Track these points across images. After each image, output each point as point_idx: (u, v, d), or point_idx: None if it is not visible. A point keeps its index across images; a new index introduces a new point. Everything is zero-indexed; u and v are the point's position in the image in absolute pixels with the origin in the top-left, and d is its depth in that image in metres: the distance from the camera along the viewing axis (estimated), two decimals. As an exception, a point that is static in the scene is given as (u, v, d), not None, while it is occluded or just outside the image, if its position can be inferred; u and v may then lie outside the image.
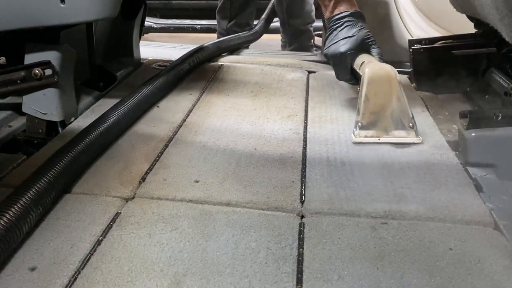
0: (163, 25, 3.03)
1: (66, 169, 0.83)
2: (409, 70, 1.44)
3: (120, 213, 0.79)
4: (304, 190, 0.87)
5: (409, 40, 1.43)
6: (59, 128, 1.12)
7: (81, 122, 1.13)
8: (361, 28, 1.17)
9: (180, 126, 1.13)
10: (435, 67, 1.36)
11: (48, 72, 1.07)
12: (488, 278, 0.66)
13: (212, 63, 1.62)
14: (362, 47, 1.17)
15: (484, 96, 1.26)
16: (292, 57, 1.76)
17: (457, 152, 1.00)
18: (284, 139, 1.06)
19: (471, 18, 1.35)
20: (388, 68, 1.07)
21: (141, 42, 1.63)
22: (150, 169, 0.93)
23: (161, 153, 0.99)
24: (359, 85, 1.09)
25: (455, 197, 0.84)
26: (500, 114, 0.96)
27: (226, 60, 1.66)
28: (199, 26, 3.02)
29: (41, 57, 1.07)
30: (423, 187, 0.87)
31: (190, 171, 0.92)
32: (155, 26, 3.00)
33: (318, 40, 2.37)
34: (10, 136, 1.11)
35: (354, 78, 1.20)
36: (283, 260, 0.69)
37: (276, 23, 2.42)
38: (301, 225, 0.77)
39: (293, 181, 0.89)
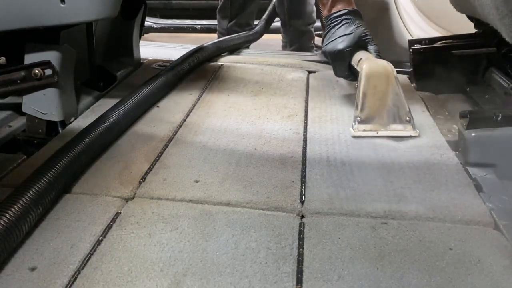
0: (163, 25, 3.02)
1: (66, 169, 0.83)
2: (409, 70, 1.44)
3: (120, 213, 0.79)
4: (304, 190, 0.87)
5: (409, 40, 1.43)
6: (59, 128, 1.12)
7: (81, 122, 1.13)
8: (358, 26, 1.20)
9: (180, 126, 1.13)
10: (435, 67, 1.36)
11: (48, 72, 1.07)
12: (488, 278, 0.66)
13: (212, 63, 1.62)
14: (360, 44, 1.19)
15: (484, 96, 1.26)
16: (292, 57, 1.76)
17: (457, 152, 1.00)
18: (284, 139, 1.06)
19: (471, 18, 1.35)
20: (385, 64, 1.10)
21: (141, 42, 1.63)
22: (150, 169, 0.93)
23: (161, 153, 0.99)
24: (357, 81, 1.11)
25: (455, 197, 0.84)
26: (500, 114, 0.96)
27: (226, 60, 1.66)
28: (199, 26, 3.02)
29: (41, 57, 1.07)
30: (423, 187, 0.87)
31: (190, 171, 0.92)
32: (155, 26, 3.00)
33: (318, 40, 2.37)
34: (10, 136, 1.11)
35: (352, 75, 1.22)
36: (283, 260, 0.69)
37: (276, 23, 2.42)
38: (301, 225, 0.77)
39: (293, 181, 0.89)
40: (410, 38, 1.61)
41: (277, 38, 2.55)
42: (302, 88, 1.39)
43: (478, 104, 1.25)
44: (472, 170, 0.94)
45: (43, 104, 1.10)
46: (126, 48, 1.54)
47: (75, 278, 0.65)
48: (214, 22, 2.75)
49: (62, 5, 0.99)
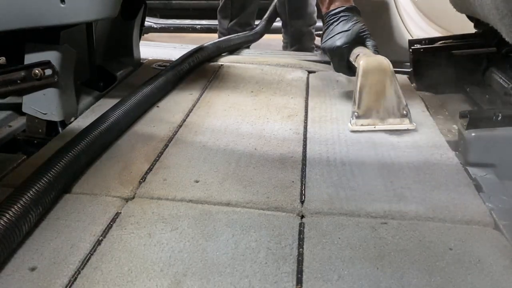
0: (163, 25, 3.02)
1: (66, 169, 0.83)
2: (409, 70, 1.44)
3: (120, 213, 0.79)
4: (304, 190, 0.87)
5: (409, 40, 1.43)
6: (59, 128, 1.12)
7: (81, 122, 1.13)
8: (356, 22, 1.22)
9: (180, 126, 1.13)
10: (435, 67, 1.36)
11: (48, 72, 1.07)
12: (488, 278, 0.66)
13: (212, 63, 1.62)
14: (358, 40, 1.21)
15: (484, 96, 1.26)
16: (292, 57, 1.76)
17: (457, 152, 1.00)
18: (284, 139, 1.06)
19: (471, 18, 1.35)
20: (382, 59, 1.12)
21: (141, 42, 1.63)
22: (150, 169, 0.93)
23: (161, 153, 0.99)
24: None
25: (455, 197, 0.84)
26: (500, 114, 0.96)
27: (226, 60, 1.66)
28: (199, 26, 3.02)
29: (41, 57, 1.07)
30: (423, 187, 0.87)
31: (190, 171, 0.92)
32: (155, 26, 3.00)
33: (318, 40, 2.37)
34: (10, 136, 1.11)
35: (351, 71, 1.24)
36: (283, 260, 0.69)
37: (277, 23, 2.42)
38: (301, 225, 0.77)
39: (293, 181, 0.89)
40: (410, 38, 1.61)
41: (277, 38, 2.54)
42: (302, 88, 1.39)
43: (478, 104, 1.25)
44: (472, 170, 0.94)
45: (43, 104, 1.10)
46: (126, 48, 1.54)
47: (75, 278, 0.65)
48: (214, 22, 2.75)
49: (62, 5, 0.99)
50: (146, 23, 2.08)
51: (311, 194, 0.85)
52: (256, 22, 2.31)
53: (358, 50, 1.19)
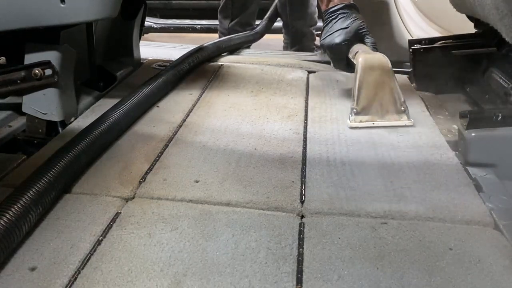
0: (163, 25, 3.02)
1: (66, 169, 0.83)
2: (409, 70, 1.44)
3: (120, 213, 0.79)
4: (304, 190, 0.87)
5: (409, 40, 1.43)
6: (59, 128, 1.12)
7: (81, 122, 1.13)
8: (355, 19, 1.23)
9: (180, 126, 1.13)
10: (435, 67, 1.36)
11: (48, 72, 1.07)
12: (488, 278, 0.66)
13: (212, 63, 1.62)
14: (356, 37, 1.23)
15: (484, 96, 1.26)
16: (292, 57, 1.76)
17: (457, 152, 1.00)
18: (284, 139, 1.06)
19: (471, 18, 1.35)
20: (380, 56, 1.13)
21: (141, 42, 1.63)
22: (150, 169, 0.93)
23: (161, 153, 0.99)
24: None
25: (455, 197, 0.84)
26: (500, 114, 0.96)
27: (226, 60, 1.66)
28: (199, 26, 3.02)
29: (41, 57, 1.07)
30: (423, 187, 0.87)
31: (190, 171, 0.92)
32: (155, 26, 3.00)
33: (318, 41, 2.37)
34: (10, 136, 1.11)
35: (350, 67, 1.24)
36: (283, 260, 0.69)
37: (277, 23, 2.42)
38: (301, 225, 0.77)
39: (293, 181, 0.89)
40: (410, 38, 1.61)
41: (277, 38, 2.54)
42: (302, 88, 1.39)
43: (478, 104, 1.25)
44: (472, 170, 0.94)
45: (43, 104, 1.10)
46: (126, 48, 1.54)
47: (75, 278, 0.65)
48: (214, 22, 2.75)
49: (62, 5, 0.99)
50: (146, 23, 2.08)
51: (311, 194, 0.85)
52: (257, 22, 2.31)
53: (357, 47, 1.20)
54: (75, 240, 0.72)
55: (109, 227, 0.75)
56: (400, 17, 1.80)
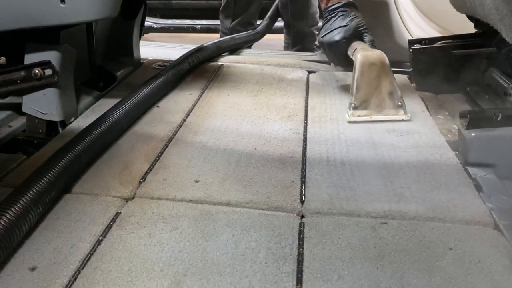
0: (163, 25, 3.02)
1: (66, 169, 0.83)
2: (409, 70, 1.44)
3: (120, 213, 0.79)
4: (304, 190, 0.87)
5: (409, 40, 1.43)
6: (59, 128, 1.12)
7: (81, 122, 1.13)
8: (354, 17, 1.26)
9: (180, 126, 1.13)
10: (435, 67, 1.36)
11: (48, 72, 1.07)
12: (488, 278, 0.66)
13: (212, 63, 1.62)
14: (355, 35, 1.26)
15: (484, 96, 1.26)
16: (292, 57, 1.76)
17: (457, 152, 1.00)
18: (284, 139, 1.06)
19: (471, 18, 1.35)
20: (378, 53, 1.17)
21: (141, 42, 1.63)
22: (150, 169, 0.93)
23: (161, 153, 0.99)
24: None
25: (455, 197, 0.84)
26: (500, 114, 0.96)
27: (226, 60, 1.66)
28: (199, 26, 3.02)
29: (41, 57, 1.07)
30: (423, 187, 0.87)
31: (190, 171, 0.92)
32: (155, 26, 3.00)
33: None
34: (10, 136, 1.11)
35: (349, 64, 1.26)
36: (283, 260, 0.69)
37: (277, 22, 2.41)
38: (301, 225, 0.77)
39: (293, 181, 0.89)
40: (410, 38, 1.61)
41: (278, 38, 2.54)
42: (302, 88, 1.39)
43: (478, 104, 1.25)
44: (472, 170, 0.94)
45: (43, 104, 1.10)
46: (126, 48, 1.54)
47: (75, 278, 0.65)
48: (214, 22, 2.74)
49: (62, 5, 0.99)
50: (146, 23, 2.08)
51: (311, 194, 0.85)
52: (258, 22, 2.31)
53: (355, 44, 1.24)
54: (75, 240, 0.72)
55: (109, 227, 0.75)
56: (400, 17, 1.80)
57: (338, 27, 1.26)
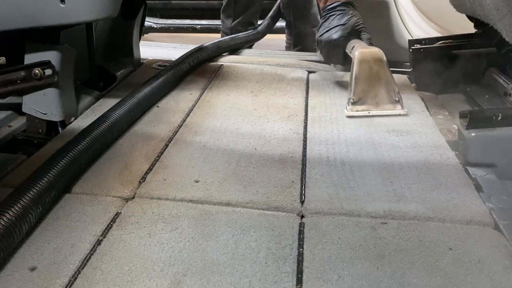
0: (163, 25, 3.02)
1: (66, 169, 0.83)
2: (409, 70, 1.44)
3: (120, 213, 0.79)
4: (304, 190, 0.87)
5: (409, 40, 1.43)
6: (59, 128, 1.12)
7: (81, 122, 1.13)
8: (352, 16, 1.29)
9: (180, 126, 1.13)
10: (435, 67, 1.36)
11: (48, 72, 1.07)
12: (488, 278, 0.66)
13: (212, 63, 1.62)
14: (353, 33, 1.29)
15: (484, 96, 1.26)
16: (292, 57, 1.76)
17: (457, 152, 1.00)
18: (284, 139, 1.06)
19: (471, 18, 1.35)
20: (376, 50, 1.20)
21: (141, 42, 1.63)
22: (150, 169, 0.93)
23: (161, 153, 0.99)
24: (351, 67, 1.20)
25: (455, 197, 0.84)
26: (500, 114, 0.96)
27: (226, 60, 1.66)
28: (199, 26, 3.02)
29: (41, 57, 1.07)
30: (423, 187, 0.87)
31: (190, 171, 0.92)
32: (155, 26, 3.00)
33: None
34: (10, 136, 1.11)
35: (347, 61, 1.30)
36: (283, 260, 0.69)
37: (278, 22, 2.41)
38: (301, 225, 0.77)
39: (293, 181, 0.89)
40: (410, 38, 1.61)
41: (278, 38, 2.54)
42: (302, 88, 1.39)
43: (478, 104, 1.25)
44: (472, 170, 0.94)
45: (43, 104, 1.10)
46: (126, 48, 1.54)
47: (75, 278, 0.65)
48: (214, 22, 2.74)
49: (62, 5, 0.99)
50: (146, 23, 2.08)
51: (311, 194, 0.85)
52: (259, 22, 2.31)
53: (353, 42, 1.26)
54: (75, 240, 0.72)
55: (109, 227, 0.75)
56: (400, 17, 1.80)
57: (337, 26, 1.28)
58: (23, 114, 1.13)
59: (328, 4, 1.31)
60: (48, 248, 0.70)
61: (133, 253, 0.70)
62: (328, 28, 1.30)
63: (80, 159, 0.88)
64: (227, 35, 2.08)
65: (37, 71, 1.06)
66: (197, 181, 0.89)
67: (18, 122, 1.15)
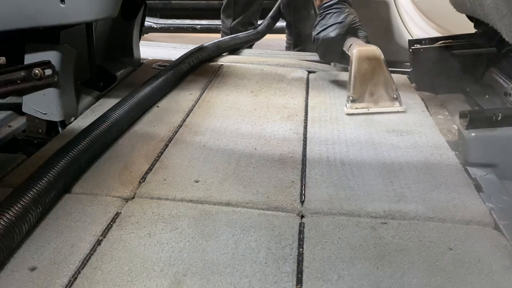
0: (163, 25, 3.02)
1: (66, 169, 0.83)
2: (409, 70, 1.44)
3: (120, 213, 0.79)
4: (304, 190, 0.87)
5: (409, 40, 1.43)
6: (59, 128, 1.12)
7: (81, 122, 1.13)
8: (348, 14, 1.29)
9: (180, 126, 1.13)
10: (435, 67, 1.36)
11: (48, 72, 1.07)
12: (488, 278, 0.66)
13: (212, 63, 1.62)
14: (350, 31, 1.29)
15: (484, 96, 1.26)
16: (292, 57, 1.76)
17: (457, 152, 1.00)
18: (284, 139, 1.06)
19: (471, 18, 1.35)
20: (373, 48, 1.21)
21: (141, 42, 1.63)
22: (150, 169, 0.93)
23: (161, 153, 0.99)
24: (349, 65, 1.22)
25: (455, 197, 0.84)
26: (500, 114, 0.96)
27: (226, 60, 1.66)
28: (199, 26, 3.02)
29: (41, 57, 1.07)
30: (423, 187, 0.87)
31: (190, 171, 0.92)
32: (155, 26, 3.00)
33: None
34: (10, 136, 1.11)
35: (344, 59, 1.31)
36: (283, 260, 0.69)
37: (278, 22, 2.41)
38: (301, 225, 0.77)
39: (293, 181, 0.89)
40: (410, 38, 1.61)
41: (278, 38, 2.54)
42: (302, 88, 1.39)
43: (478, 104, 1.25)
44: (472, 170, 0.94)
45: (43, 104, 1.10)
46: (126, 48, 1.54)
47: (75, 278, 0.65)
48: (214, 22, 2.74)
49: (62, 5, 0.99)
50: (146, 23, 2.08)
51: (311, 194, 0.85)
52: (259, 22, 2.31)
53: (351, 40, 1.27)
54: (75, 240, 0.72)
55: (109, 227, 0.75)
56: (400, 17, 1.80)
57: (334, 24, 1.29)
58: (23, 114, 1.13)
59: (324, 2, 1.32)
60: (48, 248, 0.70)
61: (133, 253, 0.70)
62: (325, 26, 1.30)
63: (80, 159, 0.88)
64: (227, 35, 2.08)
65: (37, 71, 1.06)
66: (197, 181, 0.89)
67: (18, 122, 1.15)
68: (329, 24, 1.29)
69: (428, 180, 0.90)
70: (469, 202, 0.83)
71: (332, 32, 1.29)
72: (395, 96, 1.20)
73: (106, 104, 1.21)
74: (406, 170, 0.93)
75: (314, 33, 1.34)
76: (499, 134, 0.95)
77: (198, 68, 1.54)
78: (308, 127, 1.13)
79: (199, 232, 0.75)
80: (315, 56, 1.81)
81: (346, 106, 1.20)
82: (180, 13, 3.13)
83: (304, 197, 0.84)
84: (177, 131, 1.10)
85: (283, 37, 2.49)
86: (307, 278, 0.65)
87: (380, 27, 1.74)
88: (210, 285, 0.64)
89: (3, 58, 1.17)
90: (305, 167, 0.95)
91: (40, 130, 1.11)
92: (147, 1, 1.56)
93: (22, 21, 1.00)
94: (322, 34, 1.31)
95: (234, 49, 1.82)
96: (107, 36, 1.47)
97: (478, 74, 1.32)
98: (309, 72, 1.54)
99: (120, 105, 1.09)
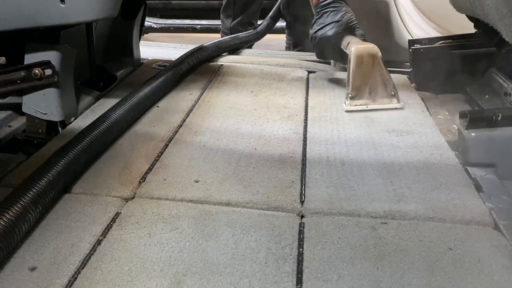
0: (163, 25, 3.02)
1: (66, 169, 0.83)
2: (409, 70, 1.44)
3: (120, 213, 0.79)
4: (304, 190, 0.87)
5: (409, 40, 1.43)
6: (59, 128, 1.12)
7: (81, 122, 1.13)
8: (345, 13, 1.31)
9: (180, 126, 1.13)
10: (435, 67, 1.36)
11: (48, 72, 1.07)
12: (488, 278, 0.66)
13: (212, 63, 1.62)
14: (347, 29, 1.31)
15: (484, 96, 1.26)
16: (292, 57, 1.76)
17: (457, 152, 1.00)
18: (284, 139, 1.06)
19: (471, 18, 1.35)
20: (371, 46, 1.23)
21: (141, 42, 1.63)
22: (150, 169, 0.93)
23: (161, 153, 0.99)
24: (346, 63, 1.24)
25: (455, 197, 0.84)
26: (500, 114, 0.96)
27: (226, 60, 1.66)
28: (199, 26, 3.02)
29: (41, 57, 1.07)
30: (423, 187, 0.87)
31: (190, 171, 0.92)
32: (155, 26, 3.00)
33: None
34: (10, 136, 1.11)
35: (341, 57, 1.32)
36: (283, 260, 0.69)
37: (278, 23, 2.41)
38: (301, 225, 0.77)
39: (293, 181, 0.89)
40: (410, 38, 1.61)
41: (278, 38, 2.54)
42: (302, 88, 1.39)
43: (478, 104, 1.25)
44: (472, 170, 0.94)
45: (43, 104, 1.10)
46: (126, 48, 1.54)
47: (75, 278, 0.65)
48: (214, 22, 2.74)
49: (62, 5, 0.99)
50: (146, 23, 2.08)
51: (311, 194, 0.85)
52: (259, 22, 2.31)
53: (348, 38, 1.28)
54: (75, 240, 0.72)
55: (109, 227, 0.75)
56: (400, 17, 1.80)
57: (331, 22, 1.30)
58: (23, 114, 1.13)
59: (321, 0, 1.33)
60: (48, 248, 0.70)
61: (133, 253, 0.70)
62: (323, 25, 1.31)
63: (80, 159, 0.88)
64: (227, 35, 2.08)
65: (37, 71, 1.06)
66: (197, 181, 0.89)
67: (18, 122, 1.15)
68: (327, 23, 1.30)
69: (428, 180, 0.90)
70: (469, 202, 0.83)
71: (329, 31, 1.30)
72: (392, 93, 1.21)
73: (106, 104, 1.21)
74: (406, 170, 0.93)
75: (311, 31, 1.35)
76: (499, 134, 0.95)
77: (198, 68, 1.54)
78: (308, 127, 1.13)
79: (199, 232, 0.75)
80: (314, 56, 1.81)
81: (345, 103, 1.22)
82: (180, 13, 3.13)
83: (304, 197, 0.84)
84: (177, 131, 1.10)
85: (283, 37, 2.49)
86: (307, 278, 0.65)
87: (380, 27, 1.74)
88: (210, 285, 0.64)
89: (3, 58, 1.17)
90: (305, 167, 0.95)
91: (40, 130, 1.11)
92: (147, 1, 1.56)
93: (22, 21, 1.00)
94: (319, 32, 1.32)
95: (234, 49, 1.82)
96: (107, 36, 1.47)
97: (478, 74, 1.32)
98: (309, 72, 1.54)
99: (120, 105, 1.09)
